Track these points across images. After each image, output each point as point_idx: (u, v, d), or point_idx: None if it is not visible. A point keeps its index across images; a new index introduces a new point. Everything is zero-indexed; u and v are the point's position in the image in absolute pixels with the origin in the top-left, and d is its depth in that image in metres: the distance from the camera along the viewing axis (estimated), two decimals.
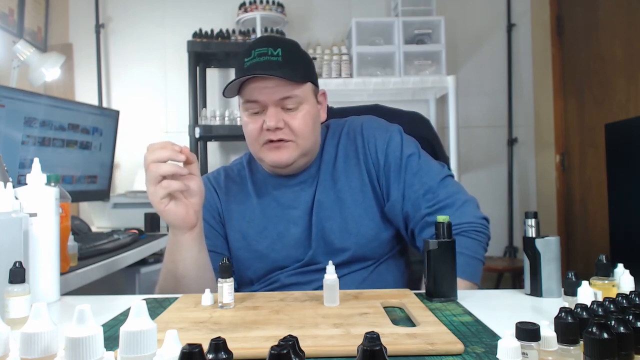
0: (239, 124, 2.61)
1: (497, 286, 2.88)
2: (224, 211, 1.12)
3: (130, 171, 2.83)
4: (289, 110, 1.01)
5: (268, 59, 0.99)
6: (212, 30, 2.72)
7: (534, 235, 0.87)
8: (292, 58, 1.01)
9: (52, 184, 0.99)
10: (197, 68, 2.77)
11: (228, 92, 1.03)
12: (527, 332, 0.47)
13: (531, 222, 0.88)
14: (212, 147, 2.99)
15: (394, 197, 1.05)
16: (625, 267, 0.79)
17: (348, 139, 1.12)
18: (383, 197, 1.08)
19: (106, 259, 1.42)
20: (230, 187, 1.14)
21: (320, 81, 2.20)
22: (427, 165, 1.07)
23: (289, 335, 0.43)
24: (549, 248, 0.86)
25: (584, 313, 0.52)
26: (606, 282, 0.77)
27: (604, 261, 0.77)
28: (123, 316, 0.78)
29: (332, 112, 1.31)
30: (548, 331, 0.49)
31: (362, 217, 1.06)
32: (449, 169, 1.14)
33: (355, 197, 1.07)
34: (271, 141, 1.02)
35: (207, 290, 0.81)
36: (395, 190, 1.05)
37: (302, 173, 1.10)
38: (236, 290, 1.10)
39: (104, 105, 2.91)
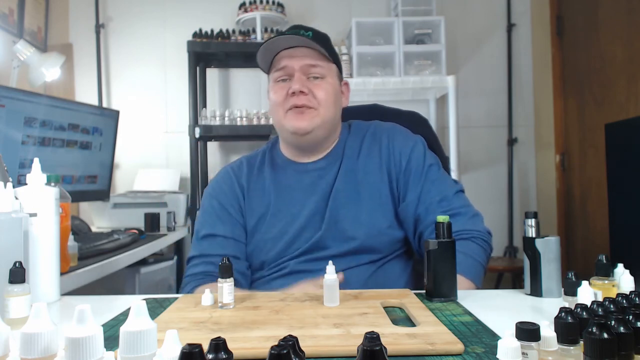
0: (239, 124, 2.62)
1: (497, 286, 2.88)
2: (245, 199, 1.15)
3: (130, 171, 2.82)
4: (314, 79, 1.09)
5: (300, 33, 1.07)
6: (212, 30, 2.72)
7: (534, 235, 0.87)
8: (322, 39, 1.10)
9: (52, 184, 0.99)
10: (197, 68, 2.76)
11: (260, 59, 1.11)
12: (527, 332, 0.47)
13: (531, 222, 0.88)
14: (212, 147, 2.98)
15: (410, 198, 1.09)
16: (625, 267, 0.79)
17: (373, 139, 1.16)
18: (399, 198, 1.11)
19: (106, 259, 1.42)
20: (250, 174, 1.17)
21: None
22: (444, 176, 1.14)
23: (289, 335, 0.43)
24: (549, 248, 0.86)
25: (584, 313, 0.52)
26: (606, 282, 0.77)
27: (604, 261, 0.77)
28: (123, 316, 0.78)
29: None
30: (548, 331, 0.49)
31: (376, 211, 1.09)
32: (449, 169, 1.16)
33: (372, 192, 1.10)
34: (295, 107, 1.07)
35: (207, 290, 0.81)
36: (412, 193, 1.09)
37: (321, 160, 1.15)
38: (246, 278, 1.11)
39: (104, 105, 2.91)
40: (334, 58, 1.14)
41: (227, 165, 1.21)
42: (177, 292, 1.14)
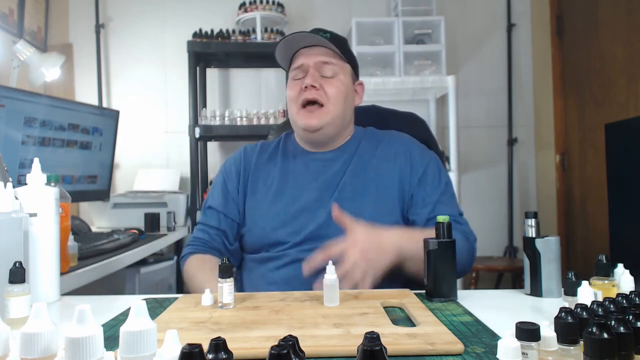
0: (239, 124, 2.62)
1: (497, 286, 2.88)
2: (249, 179, 1.20)
3: (130, 171, 2.82)
4: (327, 78, 1.15)
5: (318, 34, 1.14)
6: (212, 30, 2.72)
7: (534, 235, 0.87)
8: (338, 40, 1.17)
9: (52, 184, 0.99)
10: (197, 68, 2.76)
11: (279, 55, 1.19)
12: (527, 332, 0.47)
13: (531, 222, 0.88)
14: (212, 147, 2.98)
15: (427, 202, 1.12)
16: (625, 267, 0.79)
17: (389, 145, 1.20)
18: (410, 203, 1.14)
19: (106, 259, 1.42)
20: (261, 156, 1.24)
21: None
22: (455, 198, 1.21)
23: (289, 335, 0.43)
24: (549, 248, 0.86)
25: (584, 313, 0.52)
26: (606, 282, 0.77)
27: (604, 261, 0.77)
28: (123, 316, 0.78)
29: None
30: (548, 331, 0.49)
31: (381, 209, 1.11)
32: (448, 168, 1.17)
33: (380, 191, 1.13)
34: (307, 103, 1.14)
35: (207, 290, 0.82)
36: (430, 197, 1.13)
37: (330, 152, 1.19)
38: (229, 252, 1.17)
39: (104, 105, 2.91)
40: (350, 58, 1.20)
41: (245, 145, 1.29)
42: (177, 292, 1.15)
